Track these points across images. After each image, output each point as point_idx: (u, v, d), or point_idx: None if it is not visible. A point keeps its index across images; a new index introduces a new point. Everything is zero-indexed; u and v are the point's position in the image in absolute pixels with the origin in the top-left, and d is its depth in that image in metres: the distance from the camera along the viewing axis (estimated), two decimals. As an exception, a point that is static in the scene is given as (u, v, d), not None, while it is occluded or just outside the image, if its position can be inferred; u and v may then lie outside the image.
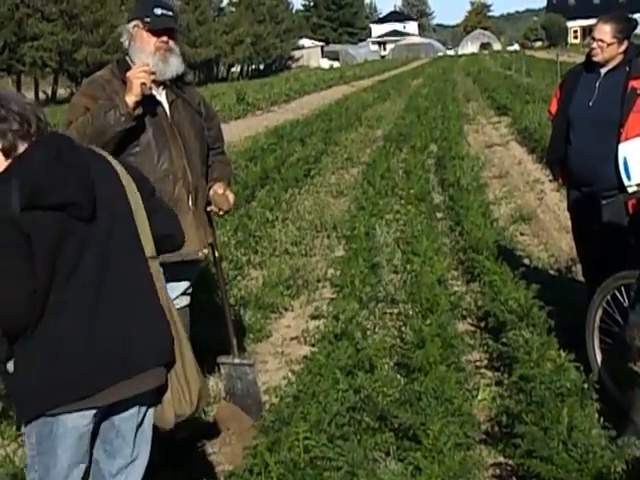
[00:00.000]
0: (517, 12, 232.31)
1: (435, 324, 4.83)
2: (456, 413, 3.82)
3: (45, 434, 2.45)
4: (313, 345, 5.23)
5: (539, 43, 79.14)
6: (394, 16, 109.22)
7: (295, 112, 22.65)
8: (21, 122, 2.42)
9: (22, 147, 2.43)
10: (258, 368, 4.64)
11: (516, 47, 76.74)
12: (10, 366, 2.42)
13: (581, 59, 4.82)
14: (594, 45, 4.53)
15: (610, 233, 4.36)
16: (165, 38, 3.66)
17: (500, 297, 5.28)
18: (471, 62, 47.18)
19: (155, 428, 2.73)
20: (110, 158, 2.68)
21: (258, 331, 5.57)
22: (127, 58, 3.72)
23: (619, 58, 4.52)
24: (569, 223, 5.17)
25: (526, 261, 6.69)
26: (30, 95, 35.89)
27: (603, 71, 4.57)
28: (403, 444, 3.71)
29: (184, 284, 3.92)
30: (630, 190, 4.25)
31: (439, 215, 8.65)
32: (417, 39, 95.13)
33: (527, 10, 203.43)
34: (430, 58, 70.25)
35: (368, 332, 5.21)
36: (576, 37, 77.00)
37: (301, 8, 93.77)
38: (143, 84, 3.46)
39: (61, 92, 42.04)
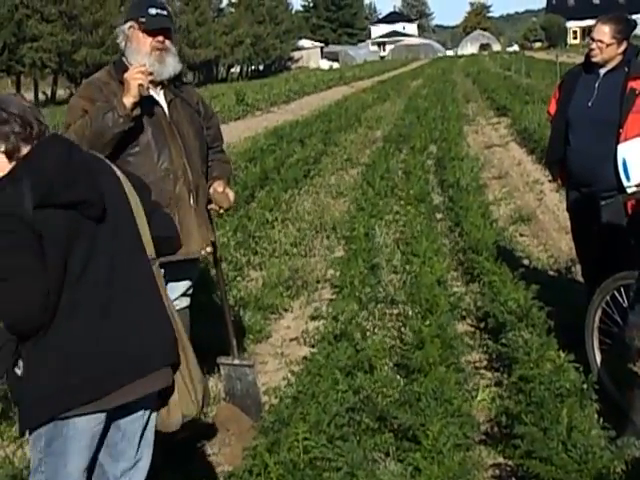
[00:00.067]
0: (516, 13, 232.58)
1: (435, 325, 4.83)
2: (456, 414, 3.82)
3: (55, 437, 2.43)
4: (313, 346, 5.23)
5: (539, 44, 79.12)
6: (393, 17, 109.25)
7: (295, 113, 22.66)
8: (22, 124, 2.43)
9: (25, 149, 2.44)
10: (258, 369, 4.65)
11: (516, 48, 76.73)
12: (19, 369, 2.41)
13: (581, 60, 4.83)
14: (593, 46, 4.53)
15: (609, 234, 4.36)
16: (161, 38, 3.66)
17: (500, 298, 5.28)
18: (471, 63, 47.20)
19: (155, 429, 2.74)
20: (108, 162, 2.70)
21: (258, 332, 5.57)
22: (124, 59, 3.73)
23: (618, 59, 4.52)
24: (568, 224, 5.18)
25: (526, 262, 6.69)
26: (30, 96, 35.91)
27: (602, 72, 4.57)
28: (403, 445, 3.72)
29: (185, 283, 3.93)
30: (629, 191, 4.25)
31: (439, 216, 8.65)
32: (416, 40, 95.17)
33: (526, 11, 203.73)
34: (429, 59, 70.28)
35: (368, 333, 5.21)
36: (576, 38, 77.01)
37: (301, 9, 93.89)
38: (140, 85, 3.46)
39: (60, 93, 42.03)
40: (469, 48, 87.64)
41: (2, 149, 2.42)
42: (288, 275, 6.77)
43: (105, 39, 39.11)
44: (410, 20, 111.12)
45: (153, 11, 3.62)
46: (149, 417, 2.65)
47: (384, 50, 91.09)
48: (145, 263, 2.62)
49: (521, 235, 7.85)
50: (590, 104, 4.56)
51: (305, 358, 4.93)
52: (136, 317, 2.52)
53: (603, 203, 4.34)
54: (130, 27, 3.67)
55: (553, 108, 4.92)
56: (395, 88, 29.94)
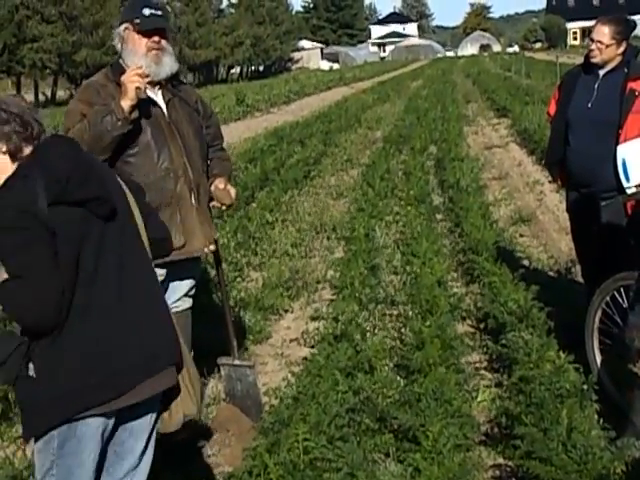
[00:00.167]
0: (517, 14, 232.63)
1: (435, 325, 4.83)
2: (456, 414, 3.82)
3: (69, 438, 2.42)
4: (313, 346, 5.23)
5: (539, 44, 79.18)
6: (394, 18, 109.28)
7: (295, 114, 22.66)
8: (22, 124, 2.44)
9: (27, 150, 2.44)
10: (258, 370, 4.65)
11: (516, 48, 76.77)
12: (30, 370, 2.39)
13: (581, 60, 4.83)
14: (593, 46, 4.54)
15: (609, 234, 4.36)
16: (156, 38, 3.66)
17: (500, 298, 5.28)
18: (471, 63, 47.21)
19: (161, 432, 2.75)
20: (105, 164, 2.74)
21: (258, 332, 5.57)
22: (121, 61, 3.73)
23: (618, 59, 4.52)
24: (568, 224, 5.18)
25: (526, 262, 6.69)
26: (30, 97, 35.93)
27: (602, 72, 4.58)
28: (403, 445, 3.72)
29: (188, 282, 3.93)
30: (629, 191, 4.25)
31: (439, 216, 8.66)
32: (417, 40, 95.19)
33: (527, 11, 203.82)
34: (430, 59, 70.29)
35: (368, 333, 5.21)
36: (576, 38, 77.06)
37: (301, 10, 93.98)
38: (138, 88, 3.46)
39: (61, 94, 42.02)
40: (469, 49, 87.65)
41: (4, 149, 2.42)
42: (288, 276, 6.77)
43: (105, 40, 39.09)
44: (410, 21, 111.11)
45: (147, 12, 3.62)
46: (153, 417, 2.66)
47: (384, 51, 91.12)
48: (148, 263, 2.65)
49: (521, 236, 7.85)
50: (590, 105, 4.56)
51: (305, 359, 4.94)
52: (144, 317, 2.54)
53: (603, 204, 4.34)
54: (125, 29, 3.68)
55: (553, 109, 4.92)
56: (395, 89, 29.95)
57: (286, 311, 6.17)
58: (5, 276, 2.40)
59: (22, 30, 37.80)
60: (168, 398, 2.66)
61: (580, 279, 5.46)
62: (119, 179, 2.67)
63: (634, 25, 4.69)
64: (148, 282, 2.63)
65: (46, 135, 2.54)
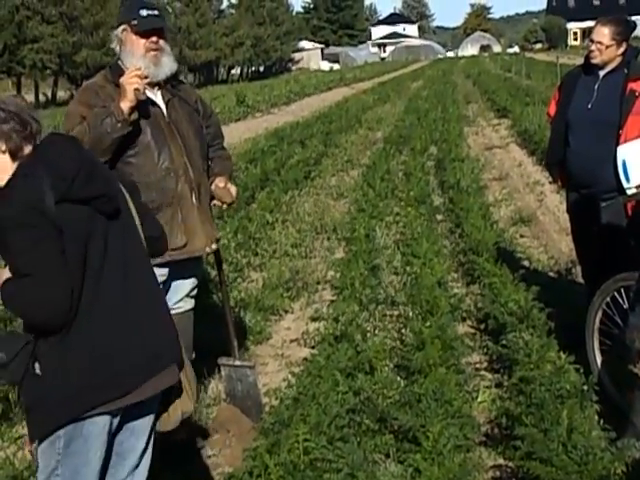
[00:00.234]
0: (517, 14, 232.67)
1: (435, 326, 4.83)
2: (456, 415, 3.82)
3: (75, 437, 2.42)
4: (313, 347, 5.23)
5: (539, 45, 79.17)
6: (394, 18, 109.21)
7: (295, 114, 22.66)
8: (21, 123, 2.44)
9: (27, 149, 2.44)
10: (258, 370, 4.65)
11: (516, 49, 76.77)
12: (37, 369, 2.39)
13: (581, 61, 4.83)
14: (593, 47, 4.54)
15: (609, 235, 4.36)
16: (154, 38, 3.66)
17: (500, 299, 5.28)
18: (471, 64, 47.21)
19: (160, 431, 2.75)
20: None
21: (258, 333, 5.57)
22: (120, 62, 3.73)
23: (618, 60, 4.52)
24: (569, 225, 5.18)
25: (526, 263, 6.69)
26: (30, 97, 35.94)
27: (602, 73, 4.58)
28: (403, 446, 3.72)
29: (191, 282, 3.93)
30: (629, 192, 4.25)
31: (439, 217, 8.65)
32: (417, 41, 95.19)
33: (527, 12, 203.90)
34: (430, 60, 70.30)
35: (368, 334, 5.21)
36: (576, 39, 77.03)
37: (301, 10, 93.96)
38: (136, 89, 3.46)
39: (61, 94, 42.05)
40: (469, 49, 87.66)
41: (3, 148, 2.41)
42: (288, 276, 6.78)
43: (106, 41, 38.95)
44: (410, 21, 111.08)
45: (144, 12, 3.62)
46: (153, 416, 2.66)
47: (384, 51, 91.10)
48: (147, 261, 2.66)
49: (521, 236, 7.85)
50: (590, 106, 4.57)
51: (305, 359, 4.94)
52: (147, 315, 2.55)
53: (603, 204, 4.34)
54: (123, 30, 3.68)
55: (553, 110, 4.92)
56: (395, 89, 29.95)
57: (286, 312, 6.17)
58: (7, 275, 2.40)
59: (22, 31, 37.85)
60: (167, 397, 2.67)
61: (580, 280, 5.46)
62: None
63: (634, 26, 4.69)
64: (148, 280, 2.64)
65: (42, 134, 2.54)
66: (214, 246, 3.90)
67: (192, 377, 2.78)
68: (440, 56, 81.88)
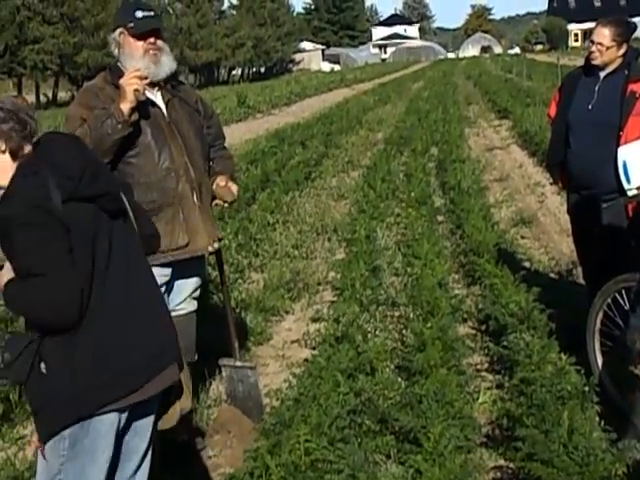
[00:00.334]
0: (518, 15, 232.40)
1: (436, 327, 4.83)
2: (457, 416, 3.82)
3: (81, 437, 2.41)
4: (314, 348, 5.23)
5: (540, 46, 79.11)
6: (395, 19, 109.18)
7: (296, 115, 22.67)
8: (20, 122, 2.43)
9: (27, 148, 2.43)
10: (259, 371, 4.65)
11: (517, 50, 76.69)
12: (43, 369, 2.38)
13: (582, 62, 4.83)
14: (593, 48, 4.54)
15: (610, 236, 4.36)
16: (152, 39, 3.66)
17: (501, 300, 5.28)
18: (472, 65, 47.23)
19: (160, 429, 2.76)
20: None
21: (259, 334, 5.58)
22: (119, 64, 3.73)
23: (618, 61, 4.52)
24: (570, 226, 5.18)
25: (527, 264, 6.69)
26: (31, 98, 35.96)
27: (602, 74, 4.58)
28: (404, 447, 3.72)
29: (194, 281, 3.93)
30: (630, 193, 4.25)
31: (440, 218, 8.65)
32: (418, 42, 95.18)
33: (528, 13, 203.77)
34: (431, 61, 70.33)
35: (369, 335, 5.21)
36: (577, 40, 77.05)
37: (302, 11, 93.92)
38: (136, 90, 3.46)
39: (62, 95, 42.08)
40: (470, 50, 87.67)
41: (3, 148, 2.40)
42: (289, 277, 6.78)
43: (106, 41, 38.94)
44: (411, 22, 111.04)
45: (140, 14, 3.62)
46: (154, 415, 2.66)
47: (385, 52, 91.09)
48: (147, 261, 2.66)
49: (522, 237, 7.85)
50: (590, 107, 4.57)
51: (306, 360, 4.94)
52: (149, 313, 2.56)
53: (604, 206, 4.34)
54: (120, 33, 3.68)
55: (553, 111, 4.92)
56: (396, 90, 29.95)
57: (287, 312, 6.17)
58: (8, 276, 2.39)
59: (23, 31, 37.89)
60: (166, 397, 2.67)
61: (581, 281, 5.46)
62: None
63: (635, 27, 4.69)
64: (149, 279, 2.65)
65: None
66: (216, 245, 3.90)
67: (188, 374, 2.80)
68: (441, 57, 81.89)
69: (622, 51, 4.50)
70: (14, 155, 2.41)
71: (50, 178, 2.31)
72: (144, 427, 2.62)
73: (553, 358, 4.25)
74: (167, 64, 3.72)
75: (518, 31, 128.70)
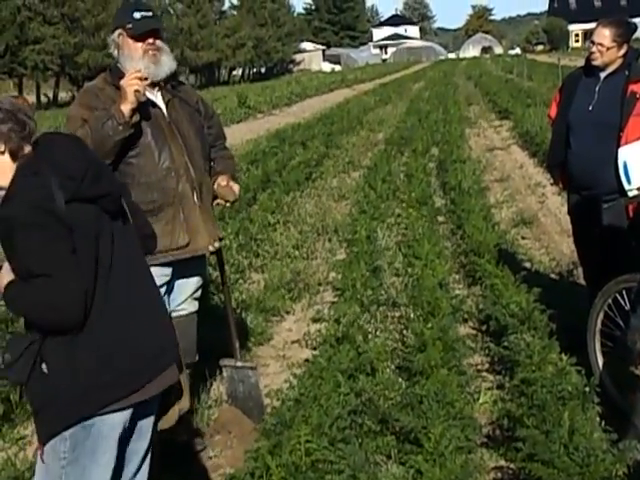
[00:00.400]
0: (518, 16, 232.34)
1: (436, 327, 4.83)
2: (457, 416, 3.83)
3: (82, 438, 2.39)
4: (314, 348, 5.23)
5: (541, 47, 79.10)
6: (395, 20, 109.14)
7: (296, 115, 22.67)
8: (19, 123, 2.42)
9: (26, 149, 2.42)
10: (260, 371, 4.65)
11: (518, 51, 76.67)
12: (44, 369, 2.37)
13: (583, 63, 4.83)
14: (593, 49, 4.54)
15: (611, 237, 4.36)
16: (151, 40, 3.66)
17: (501, 301, 5.28)
18: (472, 66, 47.22)
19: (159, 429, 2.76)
20: None
21: (259, 334, 5.58)
22: (119, 65, 3.73)
23: (619, 62, 4.52)
24: (570, 227, 5.17)
25: (527, 265, 6.69)
26: (32, 98, 35.97)
27: (603, 75, 4.58)
28: (404, 447, 3.72)
29: (195, 281, 3.93)
30: (630, 194, 4.25)
31: (440, 219, 8.66)
32: (418, 43, 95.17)
33: (528, 14, 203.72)
34: (431, 62, 70.34)
35: (369, 335, 5.21)
36: (577, 41, 77.05)
37: (302, 12, 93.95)
38: (137, 91, 3.47)
39: (63, 95, 42.12)
40: (471, 51, 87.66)
41: (2, 149, 2.39)
42: (290, 278, 6.78)
43: (107, 42, 39.10)
44: (412, 23, 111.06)
45: (138, 15, 3.62)
46: (154, 417, 2.66)
47: (386, 53, 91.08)
48: (145, 260, 2.66)
49: (523, 238, 7.85)
50: (591, 107, 4.57)
51: (307, 361, 4.94)
52: (149, 313, 2.56)
53: (605, 206, 4.34)
54: (119, 35, 3.68)
55: (554, 112, 4.92)
56: (397, 91, 29.96)
57: (288, 313, 6.18)
58: (9, 277, 2.39)
59: (24, 32, 37.90)
60: (165, 397, 2.67)
61: (582, 281, 5.46)
62: None
63: (635, 27, 4.69)
64: (148, 279, 2.65)
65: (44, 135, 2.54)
66: (217, 244, 3.90)
67: (185, 374, 2.80)
68: (441, 57, 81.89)
69: (622, 52, 4.51)
70: (14, 156, 2.40)
71: (52, 178, 2.30)
72: (144, 428, 2.61)
73: (554, 358, 4.25)
74: (167, 64, 3.72)
75: (519, 32, 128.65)
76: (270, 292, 6.40)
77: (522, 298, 5.17)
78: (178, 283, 3.86)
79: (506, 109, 18.20)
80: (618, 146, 4.33)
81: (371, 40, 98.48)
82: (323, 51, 77.37)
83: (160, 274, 3.65)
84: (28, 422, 4.40)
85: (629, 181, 4.27)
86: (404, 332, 5.34)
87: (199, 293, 4.01)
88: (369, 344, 4.90)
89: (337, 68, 66.20)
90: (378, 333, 5.39)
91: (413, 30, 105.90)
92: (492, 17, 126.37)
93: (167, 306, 3.82)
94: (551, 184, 9.63)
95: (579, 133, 4.61)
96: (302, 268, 7.13)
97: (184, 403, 2.77)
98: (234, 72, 61.07)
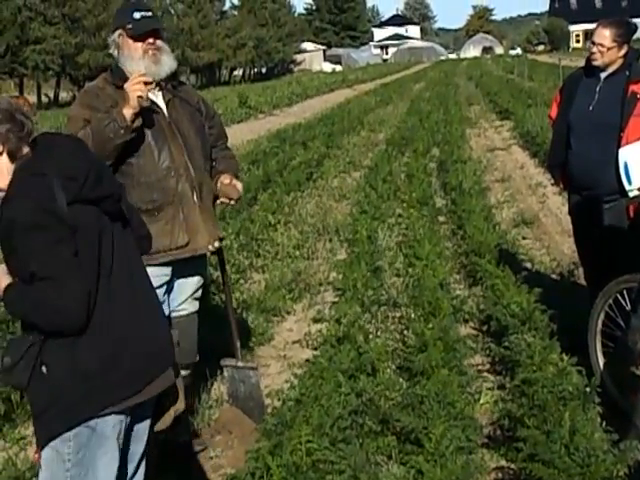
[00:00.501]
0: (519, 16, 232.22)
1: (437, 328, 4.83)
2: (458, 417, 3.83)
3: (85, 440, 2.38)
4: (315, 349, 5.23)
5: (541, 47, 79.11)
6: (396, 20, 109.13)
7: (297, 116, 22.67)
8: (17, 123, 2.39)
9: (25, 149, 2.40)
10: (260, 371, 4.65)
11: (518, 51, 76.66)
12: (44, 372, 2.34)
13: (583, 63, 4.83)
14: (594, 49, 4.54)
15: (612, 237, 4.36)
16: (151, 40, 3.66)
17: (502, 301, 5.28)
18: (473, 66, 47.22)
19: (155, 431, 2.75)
20: None
21: (260, 334, 5.58)
22: (120, 65, 3.73)
23: (619, 62, 4.52)
24: (571, 227, 5.18)
25: (528, 265, 6.70)
26: (33, 98, 35.96)
27: (603, 75, 4.58)
28: (405, 448, 3.72)
29: (195, 280, 3.92)
30: (631, 194, 4.25)
31: (441, 219, 8.66)
32: (419, 43, 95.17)
33: (529, 14, 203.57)
34: (432, 62, 70.32)
35: (370, 336, 5.21)
36: (578, 41, 77.03)
37: (303, 12, 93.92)
38: (140, 97, 3.47)
39: (63, 95, 42.11)
40: (472, 51, 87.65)
41: (0, 149, 2.37)
42: (291, 278, 6.78)
43: (108, 42, 39.09)
44: (413, 23, 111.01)
45: (138, 15, 3.62)
46: (149, 419, 2.66)
47: (387, 53, 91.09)
48: (142, 262, 2.65)
49: (524, 238, 7.85)
50: (591, 108, 4.57)
51: (308, 361, 4.94)
52: (148, 315, 2.55)
53: (606, 206, 4.34)
54: (119, 35, 3.69)
55: (554, 112, 4.92)
56: (398, 91, 29.96)
57: (288, 313, 6.18)
58: (6, 280, 2.37)
59: (25, 32, 37.88)
60: (161, 399, 2.66)
61: (583, 282, 5.46)
62: None
63: (635, 28, 4.69)
64: (146, 280, 2.64)
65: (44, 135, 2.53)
66: (217, 244, 3.90)
67: (181, 377, 2.80)
68: (442, 58, 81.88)
69: (623, 52, 4.51)
70: (12, 157, 2.37)
71: (54, 179, 2.28)
72: (141, 430, 2.61)
73: (554, 359, 4.25)
74: (167, 63, 3.72)
75: (519, 32, 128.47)
76: (271, 292, 6.40)
77: (523, 298, 5.17)
78: (178, 283, 3.86)
79: (507, 109, 18.20)
80: (618, 146, 4.34)
81: (372, 40, 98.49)
82: (324, 51, 77.34)
83: (160, 274, 3.65)
84: (29, 422, 4.40)
85: (630, 181, 4.27)
86: (405, 332, 5.34)
87: (199, 293, 4.01)
88: (370, 344, 4.90)
89: (338, 68, 66.14)
90: (379, 333, 5.39)
91: (414, 30, 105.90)
92: (493, 17, 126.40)
93: (167, 306, 3.83)
94: (552, 184, 9.62)
95: (579, 133, 4.61)
96: (303, 268, 7.13)
97: (179, 405, 2.76)
98: (235, 72, 61.05)
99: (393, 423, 3.90)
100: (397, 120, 19.09)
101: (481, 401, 4.36)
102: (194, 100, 3.95)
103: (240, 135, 17.26)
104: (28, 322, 2.39)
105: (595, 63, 4.56)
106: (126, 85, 3.49)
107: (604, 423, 3.78)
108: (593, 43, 4.55)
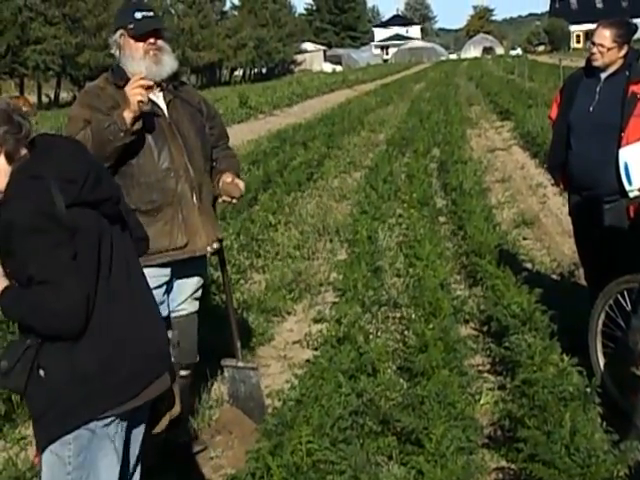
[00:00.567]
0: (520, 16, 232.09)
1: (438, 328, 4.83)
2: (459, 417, 3.83)
3: (86, 443, 2.37)
4: (316, 349, 5.23)
5: (542, 47, 79.09)
6: (397, 20, 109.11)
7: (298, 116, 22.67)
8: (15, 125, 2.36)
9: (22, 151, 2.37)
10: (261, 372, 4.65)
11: (519, 51, 76.64)
12: (42, 375, 2.33)
13: (584, 63, 4.83)
14: (594, 50, 4.54)
15: (612, 237, 4.36)
16: (152, 40, 3.66)
17: (503, 301, 5.28)
18: (474, 66, 47.22)
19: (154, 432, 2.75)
20: None
21: (261, 335, 5.58)
22: (121, 65, 3.73)
23: (619, 63, 4.53)
24: (571, 227, 5.18)
25: (529, 265, 6.70)
26: (33, 99, 35.98)
27: (603, 76, 4.58)
28: (406, 448, 3.72)
29: (194, 281, 3.92)
30: (631, 195, 4.25)
31: (442, 219, 8.66)
32: (420, 43, 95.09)
33: (530, 14, 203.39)
34: (433, 62, 70.33)
35: (371, 336, 5.21)
36: (579, 41, 77.01)
37: (304, 12, 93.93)
38: (140, 102, 3.47)
39: (64, 96, 42.11)
40: (472, 51, 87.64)
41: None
42: (291, 278, 6.78)
43: (108, 42, 39.07)
44: (413, 23, 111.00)
45: (139, 15, 3.62)
46: (145, 423, 2.64)
47: (387, 53, 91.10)
48: (140, 264, 2.64)
49: (524, 239, 7.85)
50: (591, 108, 4.57)
51: (308, 361, 4.94)
52: (147, 318, 2.54)
53: (606, 207, 4.34)
54: (120, 35, 3.69)
55: (554, 113, 4.92)
56: (398, 91, 29.96)
57: (289, 313, 6.18)
58: (4, 283, 2.35)
59: (25, 32, 37.89)
60: (157, 403, 2.65)
61: (583, 282, 5.46)
62: None
63: (635, 28, 4.69)
64: (144, 282, 2.63)
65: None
66: (216, 245, 3.89)
67: (177, 381, 2.81)
68: (443, 58, 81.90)
69: (623, 52, 4.51)
70: (9, 158, 2.34)
71: (52, 182, 2.26)
72: (137, 435, 2.59)
73: (555, 359, 4.25)
74: (168, 63, 3.72)
75: (520, 32, 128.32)
76: (271, 292, 6.40)
77: (523, 299, 5.17)
78: (178, 283, 3.86)
79: (507, 110, 18.20)
80: (619, 147, 4.34)
81: (372, 40, 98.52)
82: (324, 51, 77.32)
83: (159, 274, 3.65)
84: (29, 422, 4.38)
85: (630, 182, 4.27)
86: (405, 333, 5.34)
87: (199, 293, 4.01)
88: (370, 345, 4.90)
89: (338, 68, 66.14)
90: (379, 334, 5.39)
91: (414, 30, 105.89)
92: (493, 18, 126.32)
93: (167, 306, 3.83)
94: (552, 185, 9.62)
95: (580, 134, 4.61)
96: (303, 268, 7.13)
97: (175, 410, 2.75)
98: (235, 72, 61.05)
99: (393, 423, 3.90)
100: (397, 120, 19.10)
101: (481, 401, 4.36)
102: (195, 100, 3.95)
103: (240, 135, 17.25)
104: (25, 326, 2.36)
105: (595, 63, 4.56)
106: (127, 88, 3.49)
107: (604, 423, 3.78)
108: (593, 43, 4.55)
